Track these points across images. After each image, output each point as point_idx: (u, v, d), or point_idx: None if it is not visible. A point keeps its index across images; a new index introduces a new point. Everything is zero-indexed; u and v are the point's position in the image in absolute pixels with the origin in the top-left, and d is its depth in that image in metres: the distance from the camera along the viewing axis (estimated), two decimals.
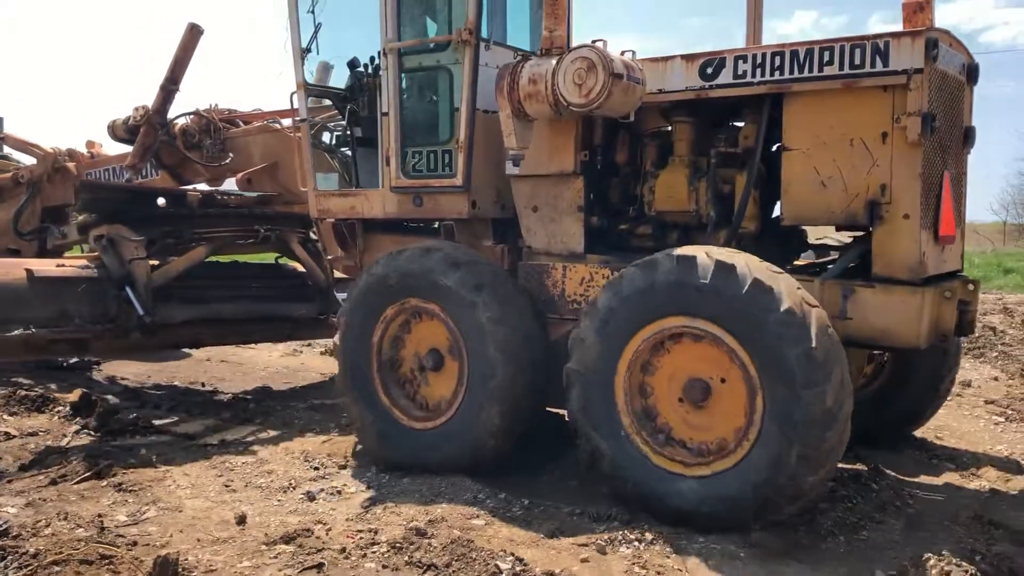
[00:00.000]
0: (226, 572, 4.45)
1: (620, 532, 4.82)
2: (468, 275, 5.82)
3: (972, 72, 5.70)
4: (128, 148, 9.05)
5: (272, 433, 7.36)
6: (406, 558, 4.50)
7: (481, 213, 6.63)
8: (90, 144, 10.63)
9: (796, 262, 6.13)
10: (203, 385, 9.49)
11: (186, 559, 4.52)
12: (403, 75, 6.70)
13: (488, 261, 6.17)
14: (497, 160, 6.57)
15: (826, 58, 5.12)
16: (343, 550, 4.65)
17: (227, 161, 8.56)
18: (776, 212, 5.95)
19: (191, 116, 8.57)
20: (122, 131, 8.75)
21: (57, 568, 4.33)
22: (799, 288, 4.74)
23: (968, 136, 5.74)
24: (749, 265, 4.71)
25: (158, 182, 9.06)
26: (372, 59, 7.53)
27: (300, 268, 9.08)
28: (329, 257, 7.48)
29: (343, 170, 7.88)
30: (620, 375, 5.12)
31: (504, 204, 6.82)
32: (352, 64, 7.61)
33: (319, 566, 4.46)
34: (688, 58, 5.61)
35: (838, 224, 5.43)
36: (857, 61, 5.02)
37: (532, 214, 6.31)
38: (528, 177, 6.27)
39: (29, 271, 7.09)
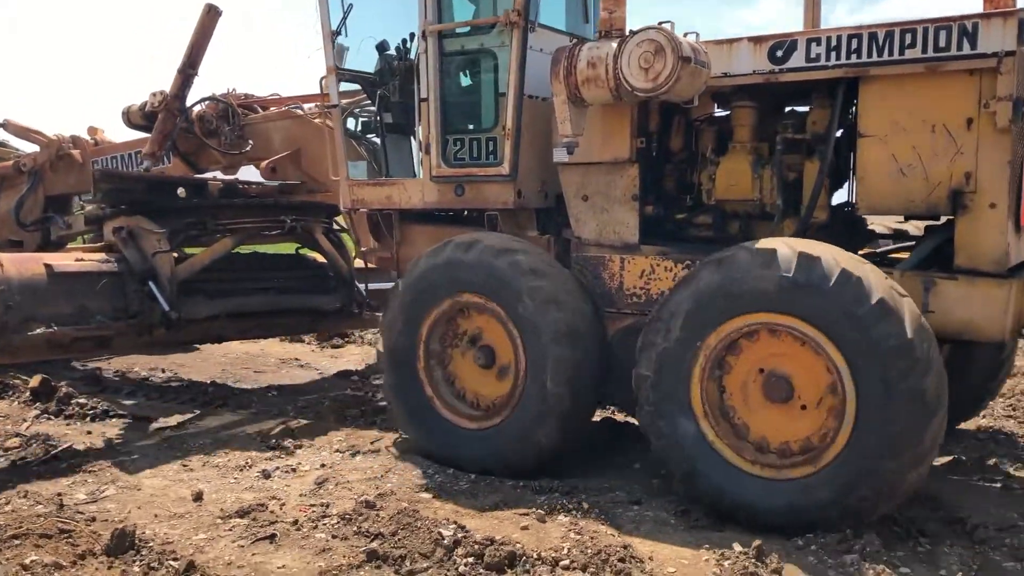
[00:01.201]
0: (182, 544, 4.67)
1: (559, 502, 5.12)
2: (521, 262, 5.58)
3: None
4: (142, 135, 8.69)
5: (230, 416, 7.54)
6: (355, 528, 4.76)
7: (526, 203, 6.37)
8: (92, 130, 10.22)
9: (859, 252, 5.94)
10: (163, 371, 9.45)
11: (143, 532, 4.72)
12: (443, 59, 6.39)
13: (541, 251, 5.90)
14: (542, 147, 6.31)
15: (908, 40, 4.89)
16: (295, 522, 4.91)
17: (247, 148, 8.22)
18: (839, 201, 5.77)
19: (208, 102, 8.20)
20: (138, 117, 8.37)
21: (17, 542, 4.53)
22: (887, 278, 4.54)
23: None
24: (835, 256, 4.51)
25: (171, 170, 8.71)
26: (404, 41, 7.24)
27: (320, 259, 8.78)
28: (363, 249, 7.19)
29: (371, 158, 7.61)
30: (695, 377, 4.91)
31: (547, 193, 6.58)
32: (381, 47, 7.30)
33: (271, 537, 4.72)
34: (756, 40, 5.36)
35: (918, 214, 5.23)
36: (942, 44, 4.79)
37: (582, 203, 6.06)
38: (578, 165, 6.00)
39: (48, 266, 6.73)
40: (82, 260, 7.08)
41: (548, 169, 6.46)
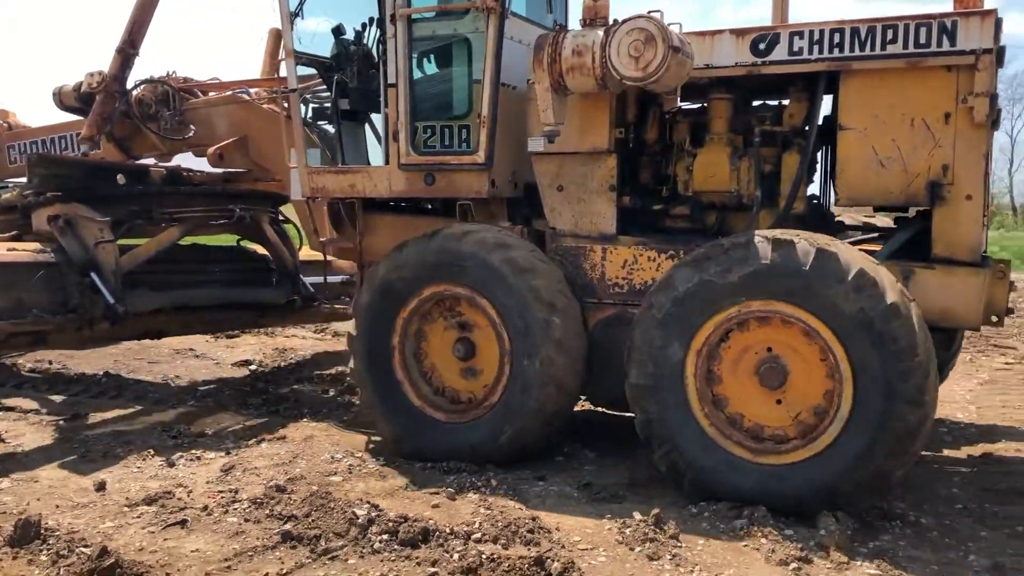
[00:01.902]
0: (89, 532, 4.59)
1: (468, 480, 5.31)
2: (517, 259, 5.50)
3: (1000, 54, 5.76)
4: (65, 119, 8.16)
5: (127, 407, 7.43)
6: (267, 511, 4.79)
7: (498, 192, 6.27)
8: (3, 113, 9.54)
9: None
10: (50, 363, 9.15)
11: (47, 523, 4.60)
12: (413, 44, 6.22)
13: (532, 245, 5.82)
14: (513, 136, 6.23)
15: (889, 36, 5.04)
16: (205, 508, 4.92)
17: (189, 134, 7.81)
18: (810, 192, 5.90)
19: (146, 85, 7.74)
20: (72, 99, 7.81)
21: None
22: (897, 281, 4.65)
23: (997, 117, 5.81)
24: (851, 254, 4.61)
25: (102, 156, 8.18)
26: (364, 25, 7.03)
27: (262, 251, 8.44)
28: (322, 240, 6.93)
29: (323, 145, 7.36)
30: (689, 370, 4.94)
31: (517, 183, 6.50)
32: (337, 31, 7.07)
33: (182, 523, 4.71)
34: (738, 33, 5.43)
35: (896, 205, 5.38)
36: (923, 40, 4.96)
37: (557, 194, 6.00)
38: (553, 155, 5.95)
39: None
40: (15, 250, 6.58)
41: (519, 158, 6.39)
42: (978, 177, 4.98)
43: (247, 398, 7.61)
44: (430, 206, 6.95)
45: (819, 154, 5.83)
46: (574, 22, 7.34)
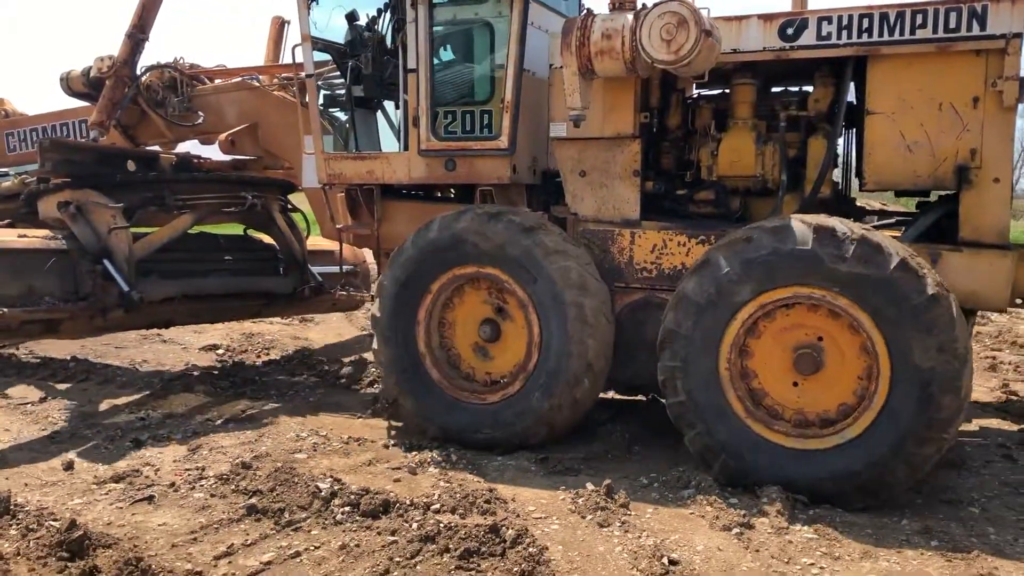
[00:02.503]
0: (58, 508, 4.72)
1: (428, 456, 5.48)
2: (547, 242, 5.50)
3: None
4: (70, 105, 8.03)
5: (96, 390, 7.49)
6: (233, 487, 4.97)
7: (519, 178, 6.26)
8: None
9: None
10: (16, 348, 9.06)
11: (16, 500, 4.73)
12: (434, 29, 6.18)
13: (560, 229, 5.81)
14: (533, 122, 6.23)
15: (919, 21, 5.07)
16: (172, 484, 5.09)
17: (199, 121, 7.71)
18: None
19: (157, 70, 7.63)
20: (80, 84, 7.67)
21: None
22: (933, 270, 4.69)
23: None
24: (893, 243, 4.64)
25: (104, 142, 8.04)
26: (379, 11, 6.98)
27: (268, 240, 8.35)
28: (338, 226, 6.87)
29: (336, 132, 7.30)
30: (723, 354, 4.96)
31: (536, 170, 6.49)
32: (351, 17, 7.01)
33: (150, 498, 4.89)
34: (766, 18, 5.44)
35: (923, 188, 5.42)
36: (952, 24, 5.00)
37: (579, 179, 6.00)
38: (575, 140, 5.94)
39: None
40: (26, 237, 6.47)
41: (538, 144, 6.39)
42: (1006, 160, 5.04)
43: (214, 381, 7.68)
44: (448, 193, 6.94)
45: (840, 139, 5.86)
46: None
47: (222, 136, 7.28)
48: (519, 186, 6.36)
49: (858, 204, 6.25)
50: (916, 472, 4.64)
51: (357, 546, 4.22)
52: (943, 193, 5.58)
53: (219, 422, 6.42)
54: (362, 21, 7.06)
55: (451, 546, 4.12)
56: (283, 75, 7.82)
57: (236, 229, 8.47)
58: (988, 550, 4.24)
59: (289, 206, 8.25)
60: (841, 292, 4.67)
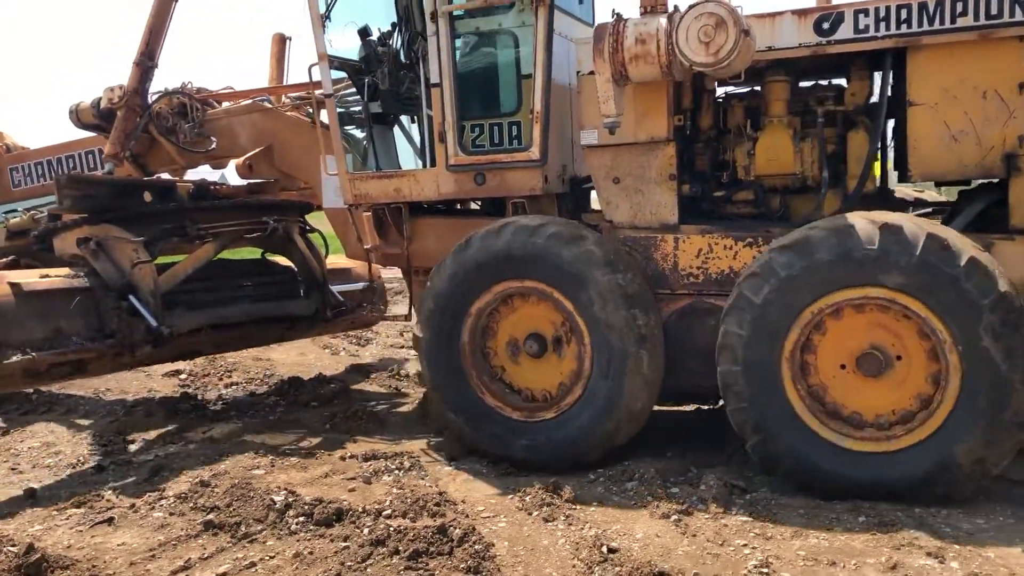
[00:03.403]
0: (18, 535, 4.81)
1: (383, 465, 5.65)
2: (595, 253, 5.39)
3: None
4: (79, 136, 7.85)
5: (58, 420, 7.58)
6: (191, 504, 5.10)
7: (549, 188, 6.16)
8: None
9: None
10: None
11: None
12: (456, 41, 6.06)
13: (603, 238, 5.70)
14: (558, 130, 6.13)
15: (959, 9, 4.99)
16: (132, 506, 5.20)
17: (212, 147, 7.55)
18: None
19: (164, 96, 7.45)
20: (91, 116, 7.48)
21: None
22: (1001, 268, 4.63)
23: None
24: (963, 241, 4.57)
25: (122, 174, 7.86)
26: (393, 25, 6.87)
27: (284, 262, 8.21)
28: (367, 247, 6.73)
29: (353, 150, 7.17)
30: (785, 358, 4.88)
31: (564, 178, 6.39)
32: (364, 32, 6.89)
33: (109, 520, 5.00)
34: (800, 13, 5.35)
35: (970, 178, 5.35)
36: (994, 11, 4.92)
37: (613, 186, 5.89)
38: (607, 147, 5.84)
39: (15, 285, 5.95)
40: (48, 277, 6.30)
41: (564, 152, 6.30)
42: None
43: (176, 405, 7.71)
44: (467, 206, 6.82)
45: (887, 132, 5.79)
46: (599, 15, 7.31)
47: (239, 160, 7.13)
48: (550, 196, 6.26)
49: (896, 195, 6.18)
50: (988, 472, 4.59)
51: (310, 553, 4.36)
52: (984, 181, 5.53)
53: (180, 444, 6.55)
54: (374, 36, 6.95)
55: (401, 548, 4.28)
56: (294, 94, 7.67)
57: (252, 253, 8.33)
58: (912, 523, 4.46)
59: (308, 227, 8.10)
60: (908, 292, 4.60)
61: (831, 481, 4.77)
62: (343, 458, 5.92)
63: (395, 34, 6.91)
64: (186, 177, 8.24)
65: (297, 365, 9.56)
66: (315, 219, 8.25)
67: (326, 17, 6.51)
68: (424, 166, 6.87)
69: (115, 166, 7.11)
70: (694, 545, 4.31)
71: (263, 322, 7.66)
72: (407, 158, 7.20)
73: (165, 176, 8.07)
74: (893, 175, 6.05)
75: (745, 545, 4.29)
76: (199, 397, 8.10)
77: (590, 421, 5.39)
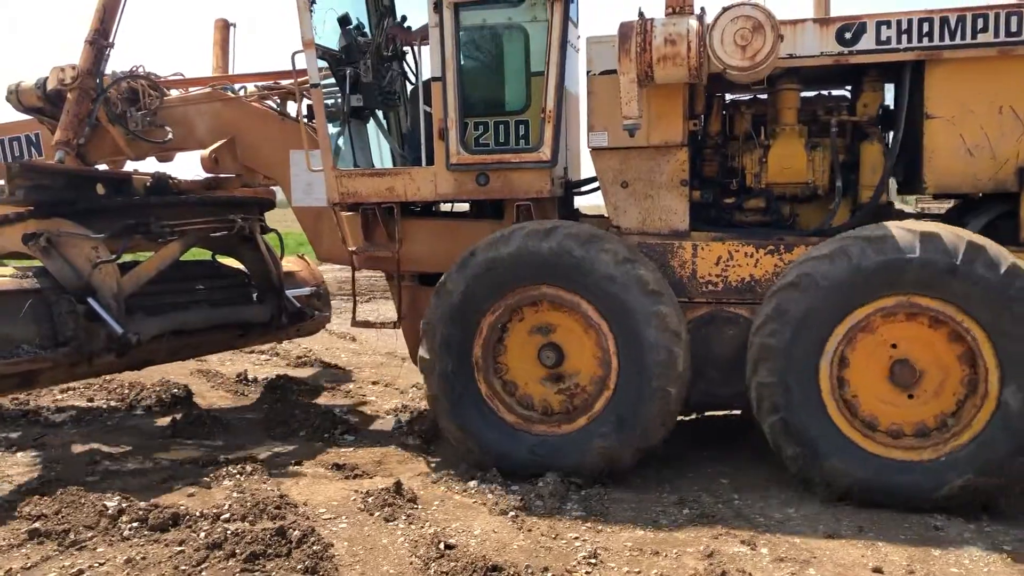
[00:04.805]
0: None
1: (225, 469, 5.58)
2: (618, 253, 5.19)
3: None
4: (18, 118, 7.04)
5: None
6: (16, 514, 4.89)
7: (554, 191, 5.93)
8: None
9: None
10: None
11: None
12: (461, 34, 5.74)
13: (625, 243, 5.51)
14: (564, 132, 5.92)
15: (980, 25, 5.09)
16: None
17: (169, 137, 6.89)
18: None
19: (123, 80, 6.75)
20: (35, 98, 6.64)
21: None
22: None
23: None
24: (1000, 249, 4.63)
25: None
26: (381, 15, 6.49)
27: (236, 264, 7.64)
28: (351, 249, 6.30)
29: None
30: (823, 368, 4.85)
31: (565, 181, 6.19)
32: (344, 21, 6.47)
33: None
34: (822, 22, 5.34)
35: (984, 191, 5.46)
36: (1013, 28, 5.04)
37: (621, 190, 5.73)
38: (616, 150, 5.68)
39: None
40: None
41: (565, 155, 6.10)
42: None
43: (4, 412, 7.39)
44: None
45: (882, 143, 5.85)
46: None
47: (204, 153, 6.52)
48: (552, 200, 6.03)
49: (896, 207, 6.29)
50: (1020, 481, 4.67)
51: (143, 559, 4.30)
52: (983, 195, 5.67)
53: (6, 451, 6.28)
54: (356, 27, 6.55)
55: (238, 551, 4.26)
56: (261, 83, 7.12)
57: (200, 254, 7.71)
58: (730, 514, 4.83)
59: (265, 227, 7.56)
60: (947, 299, 4.65)
61: (870, 490, 4.75)
62: (183, 463, 5.89)
63: (381, 24, 6.53)
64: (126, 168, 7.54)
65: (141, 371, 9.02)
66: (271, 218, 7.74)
67: (314, 1, 6.05)
68: (395, 164, 6.55)
69: (66, 154, 6.37)
70: (529, 539, 4.50)
71: (219, 329, 7.09)
72: (377, 156, 6.80)
73: (102, 168, 7.33)
74: (891, 187, 6.14)
75: (577, 538, 4.53)
76: (31, 403, 7.75)
77: (621, 429, 5.19)
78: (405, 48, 6.60)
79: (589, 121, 5.73)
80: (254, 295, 7.52)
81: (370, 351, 10.46)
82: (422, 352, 5.52)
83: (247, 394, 8.22)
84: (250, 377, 8.72)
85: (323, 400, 7.88)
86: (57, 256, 5.77)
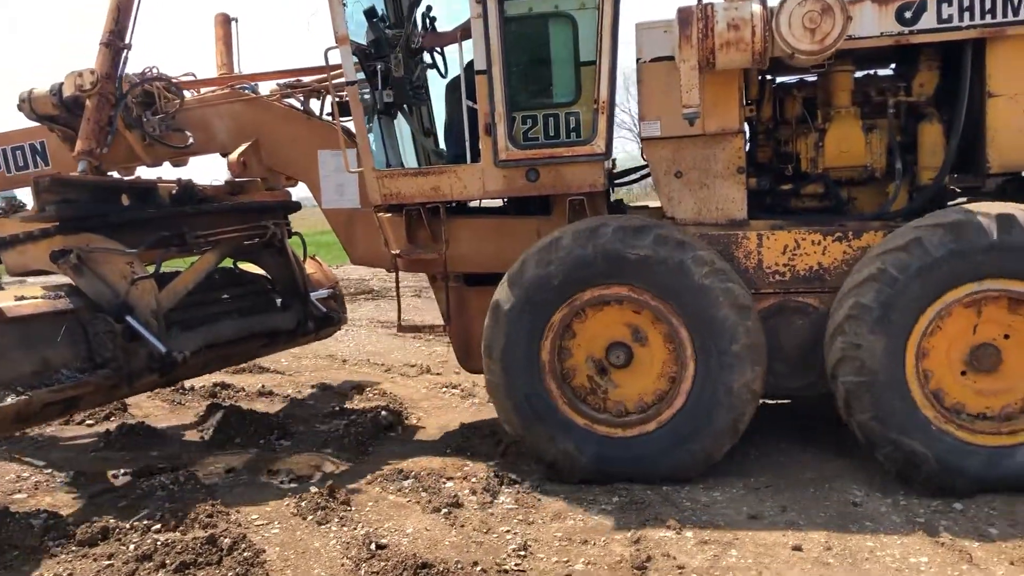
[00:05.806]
0: None
1: (158, 481, 5.52)
2: (703, 256, 5.08)
3: None
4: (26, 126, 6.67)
5: None
6: None
7: (605, 184, 5.77)
8: None
9: None
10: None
11: None
12: (506, 24, 5.52)
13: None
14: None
15: None
16: None
17: (190, 142, 6.58)
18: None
19: (140, 85, 6.40)
20: (50, 106, 6.24)
21: None
22: None
23: None
24: None
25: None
26: (410, 6, 6.23)
27: (258, 271, 7.36)
28: (394, 252, 6.07)
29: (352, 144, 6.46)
30: (909, 361, 4.78)
31: (610, 173, 6.03)
32: (371, 13, 6.21)
33: None
34: (881, 2, 5.22)
35: None
36: None
37: (675, 180, 5.59)
38: (668, 139, 5.54)
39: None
40: (26, 299, 5.27)
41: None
42: None
43: None
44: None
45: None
46: None
47: (232, 156, 6.22)
48: (603, 193, 5.87)
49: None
50: None
51: (70, 575, 4.30)
52: None
53: None
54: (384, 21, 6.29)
55: (168, 561, 4.28)
56: (282, 81, 6.82)
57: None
58: (658, 500, 4.94)
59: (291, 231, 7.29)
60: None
61: (972, 480, 4.69)
62: (115, 476, 5.82)
63: (409, 16, 6.28)
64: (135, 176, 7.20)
65: None
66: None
67: None
68: (424, 162, 6.33)
69: (91, 164, 6.03)
70: (460, 535, 4.59)
71: (246, 339, 6.82)
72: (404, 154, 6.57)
73: (114, 175, 6.99)
74: None
75: (508, 531, 4.63)
76: None
77: (688, 433, 5.08)
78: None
79: (640, 110, 5.57)
80: (278, 301, 7.26)
81: (310, 354, 10.11)
82: (487, 372, 5.34)
83: (184, 403, 8.00)
84: (187, 386, 8.35)
85: (260, 406, 7.65)
86: (90, 273, 5.47)
